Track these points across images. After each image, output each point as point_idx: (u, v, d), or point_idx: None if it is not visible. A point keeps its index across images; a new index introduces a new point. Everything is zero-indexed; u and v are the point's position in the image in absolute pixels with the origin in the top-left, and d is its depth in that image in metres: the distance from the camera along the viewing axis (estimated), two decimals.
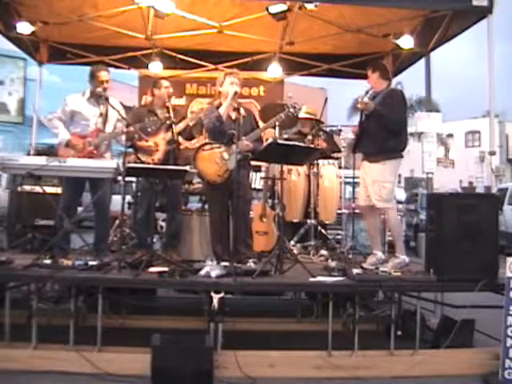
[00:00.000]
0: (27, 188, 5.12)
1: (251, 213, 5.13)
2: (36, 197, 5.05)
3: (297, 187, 5.63)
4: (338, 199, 5.86)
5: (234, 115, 4.67)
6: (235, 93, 4.62)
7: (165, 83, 5.39)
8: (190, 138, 5.40)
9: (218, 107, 4.71)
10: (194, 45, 7.04)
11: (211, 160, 4.62)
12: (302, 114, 5.86)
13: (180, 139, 5.27)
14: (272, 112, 5.12)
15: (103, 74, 4.92)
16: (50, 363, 3.63)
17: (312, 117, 5.99)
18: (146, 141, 5.01)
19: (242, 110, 4.58)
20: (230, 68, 6.15)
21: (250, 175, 5.43)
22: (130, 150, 5.24)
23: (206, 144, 4.74)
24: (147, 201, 5.02)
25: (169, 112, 5.14)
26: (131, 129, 4.77)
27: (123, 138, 4.79)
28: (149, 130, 4.97)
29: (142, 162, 5.09)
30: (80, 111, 4.88)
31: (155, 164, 5.03)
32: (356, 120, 4.94)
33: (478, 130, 32.03)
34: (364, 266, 4.60)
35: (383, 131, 4.51)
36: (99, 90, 4.81)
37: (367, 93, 4.65)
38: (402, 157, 4.64)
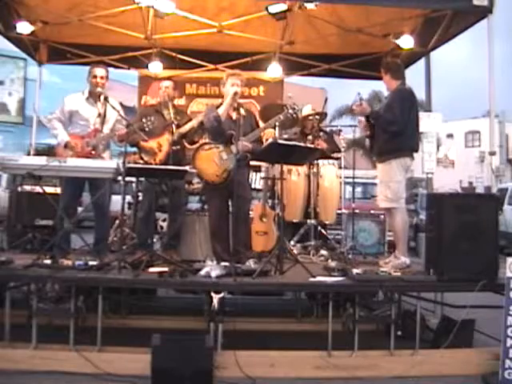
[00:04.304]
0: (27, 188, 5.12)
1: (251, 213, 5.12)
2: (36, 197, 5.04)
3: (297, 187, 5.63)
4: (338, 199, 5.86)
5: (234, 115, 4.68)
6: (235, 93, 4.62)
7: (165, 83, 5.39)
8: (191, 142, 5.36)
9: (218, 107, 4.71)
10: (194, 45, 7.04)
11: (210, 160, 4.61)
12: (306, 112, 5.86)
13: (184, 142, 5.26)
14: (272, 112, 5.11)
15: (97, 70, 4.91)
16: (50, 363, 3.63)
17: (315, 112, 5.96)
18: (146, 141, 5.01)
19: (242, 110, 4.57)
20: (230, 68, 6.16)
21: (250, 175, 5.42)
22: (134, 149, 5.24)
23: (205, 144, 4.74)
24: (148, 201, 5.02)
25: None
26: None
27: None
28: (147, 129, 4.96)
29: (145, 163, 5.09)
30: (78, 111, 4.87)
31: (157, 165, 5.02)
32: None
33: (478, 130, 32.01)
34: (384, 268, 4.39)
35: (384, 132, 4.57)
36: (99, 89, 4.81)
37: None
38: (409, 156, 4.60)
